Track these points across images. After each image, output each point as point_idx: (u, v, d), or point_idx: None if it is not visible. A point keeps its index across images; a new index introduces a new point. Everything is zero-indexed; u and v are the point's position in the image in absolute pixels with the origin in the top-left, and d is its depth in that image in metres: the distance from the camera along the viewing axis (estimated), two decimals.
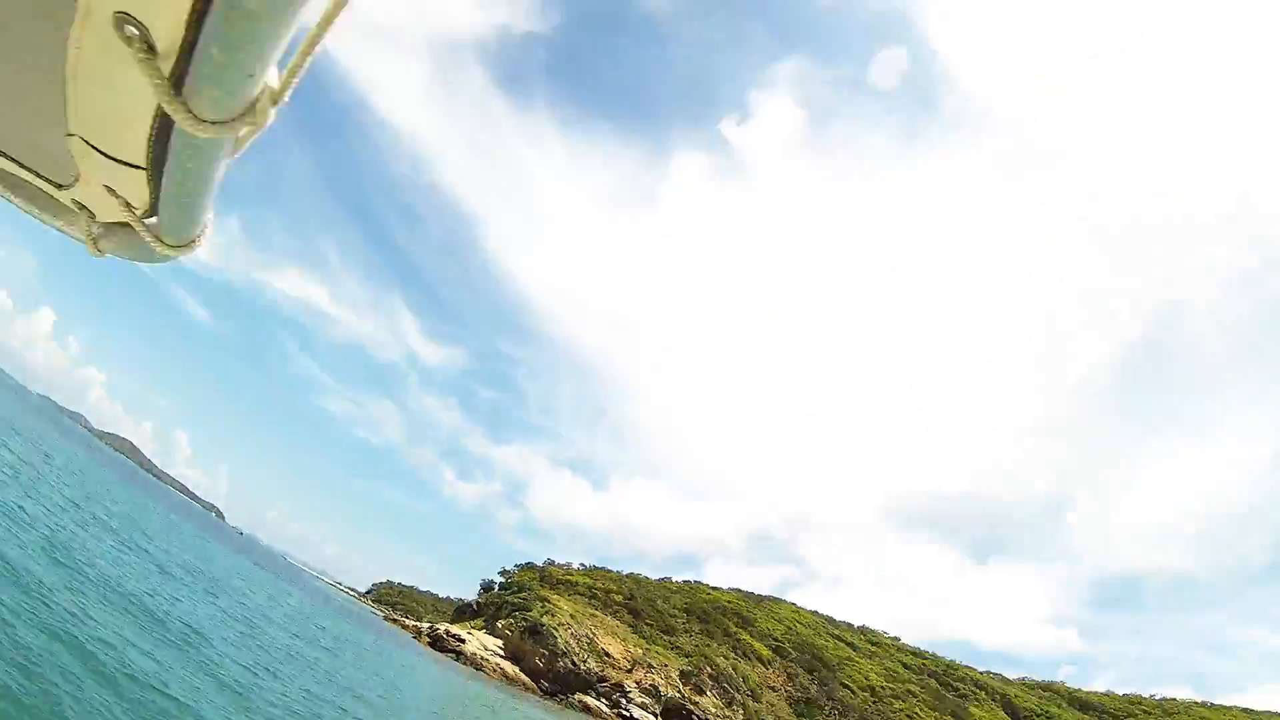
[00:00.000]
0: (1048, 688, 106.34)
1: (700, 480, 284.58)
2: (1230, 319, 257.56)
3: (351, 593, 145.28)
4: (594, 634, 66.03)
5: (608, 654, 65.26)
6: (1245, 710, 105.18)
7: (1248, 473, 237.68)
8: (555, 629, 62.60)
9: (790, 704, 77.91)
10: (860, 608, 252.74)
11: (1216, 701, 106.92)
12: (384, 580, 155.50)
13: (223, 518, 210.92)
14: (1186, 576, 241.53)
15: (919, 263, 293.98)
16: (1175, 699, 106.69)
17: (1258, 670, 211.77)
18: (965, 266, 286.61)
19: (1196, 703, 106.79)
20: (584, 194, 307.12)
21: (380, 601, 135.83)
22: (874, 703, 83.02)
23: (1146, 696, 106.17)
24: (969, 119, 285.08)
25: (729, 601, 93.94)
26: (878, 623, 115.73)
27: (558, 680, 59.92)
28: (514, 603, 67.07)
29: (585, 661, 62.63)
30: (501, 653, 60.73)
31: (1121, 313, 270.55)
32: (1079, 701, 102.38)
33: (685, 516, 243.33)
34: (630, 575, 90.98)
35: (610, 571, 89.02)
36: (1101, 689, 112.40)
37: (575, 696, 59.11)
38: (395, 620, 79.69)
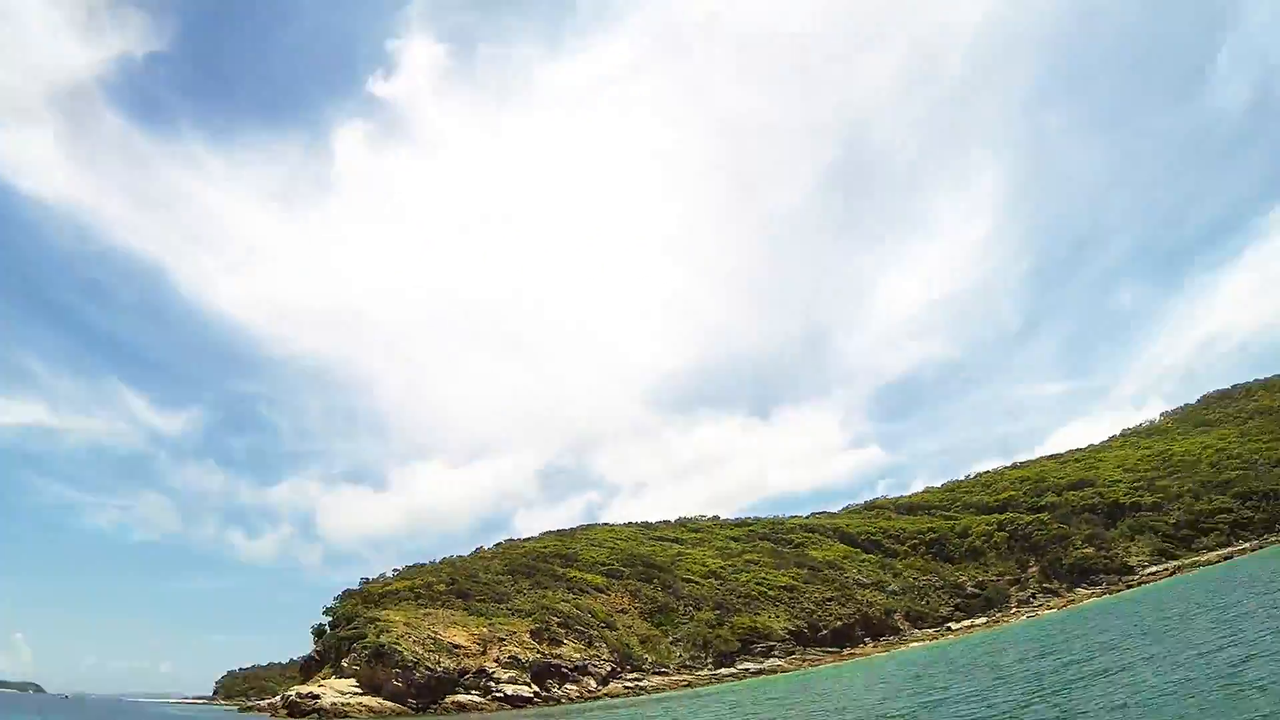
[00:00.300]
0: (871, 506, 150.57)
1: (472, 440, 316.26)
2: (910, 117, 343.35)
3: (198, 700, 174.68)
4: (435, 632, 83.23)
5: (457, 645, 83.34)
6: (1050, 457, 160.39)
7: (971, 252, 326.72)
8: (397, 643, 77.83)
9: (645, 617, 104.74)
10: (673, 504, 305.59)
11: (1022, 459, 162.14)
12: (226, 673, 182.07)
13: (43, 690, 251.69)
14: (954, 361, 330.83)
15: (594, 163, 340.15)
16: (989, 470, 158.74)
17: (1046, 420, 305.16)
18: (643, 148, 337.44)
19: (1008, 467, 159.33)
20: (254, 201, 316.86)
21: (230, 695, 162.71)
22: (720, 584, 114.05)
23: (963, 478, 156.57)
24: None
25: (544, 546, 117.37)
26: (694, 509, 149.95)
27: (422, 693, 75.97)
28: (349, 636, 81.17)
29: (440, 663, 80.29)
30: (359, 690, 74.99)
31: (811, 143, 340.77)
32: (904, 507, 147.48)
33: (473, 481, 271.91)
34: (444, 560, 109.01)
35: (425, 565, 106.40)
36: (920, 489, 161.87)
37: (447, 700, 77.16)
38: (249, 708, 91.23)
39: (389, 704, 73.93)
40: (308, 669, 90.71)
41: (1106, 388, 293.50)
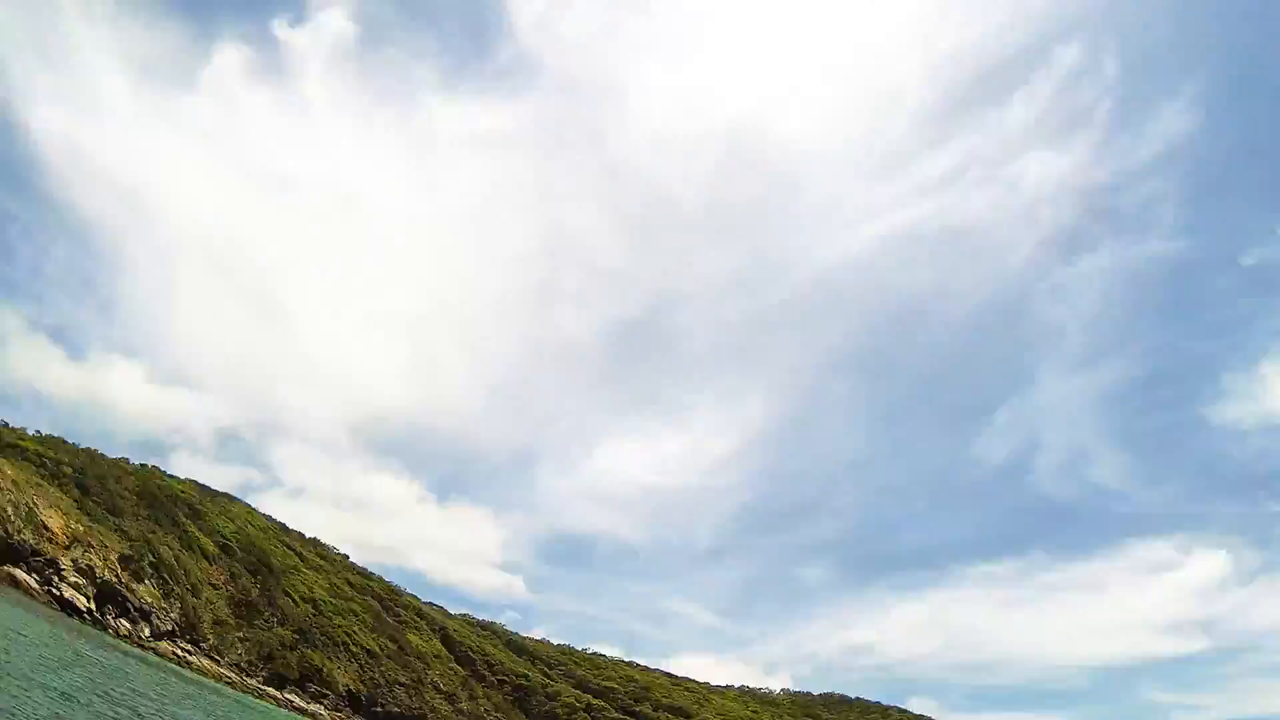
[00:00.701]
0: (487, 627, 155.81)
1: (180, 365, 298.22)
2: (720, 319, 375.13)
3: None
4: (35, 504, 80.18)
5: (47, 527, 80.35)
6: (666, 673, 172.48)
7: (705, 462, 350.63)
8: None
9: (230, 604, 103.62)
10: (319, 523, 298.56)
11: (641, 662, 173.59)
12: None
13: None
14: (634, 546, 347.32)
15: (437, 203, 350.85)
16: (604, 655, 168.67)
17: (683, 640, 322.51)
18: (481, 220, 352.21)
19: (624, 661, 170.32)
20: (120, 59, 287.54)
21: None
22: (314, 615, 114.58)
23: (579, 649, 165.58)
24: (522, 68, 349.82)
25: (183, 491, 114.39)
26: (333, 539, 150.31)
27: None
28: None
29: (20, 532, 76.96)
30: None
31: (625, 294, 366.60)
32: (515, 645, 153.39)
33: (159, 402, 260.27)
34: (87, 449, 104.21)
35: (66, 443, 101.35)
36: (539, 637, 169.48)
37: (4, 568, 74.46)
38: None
39: None
40: None
41: (750, 640, 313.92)
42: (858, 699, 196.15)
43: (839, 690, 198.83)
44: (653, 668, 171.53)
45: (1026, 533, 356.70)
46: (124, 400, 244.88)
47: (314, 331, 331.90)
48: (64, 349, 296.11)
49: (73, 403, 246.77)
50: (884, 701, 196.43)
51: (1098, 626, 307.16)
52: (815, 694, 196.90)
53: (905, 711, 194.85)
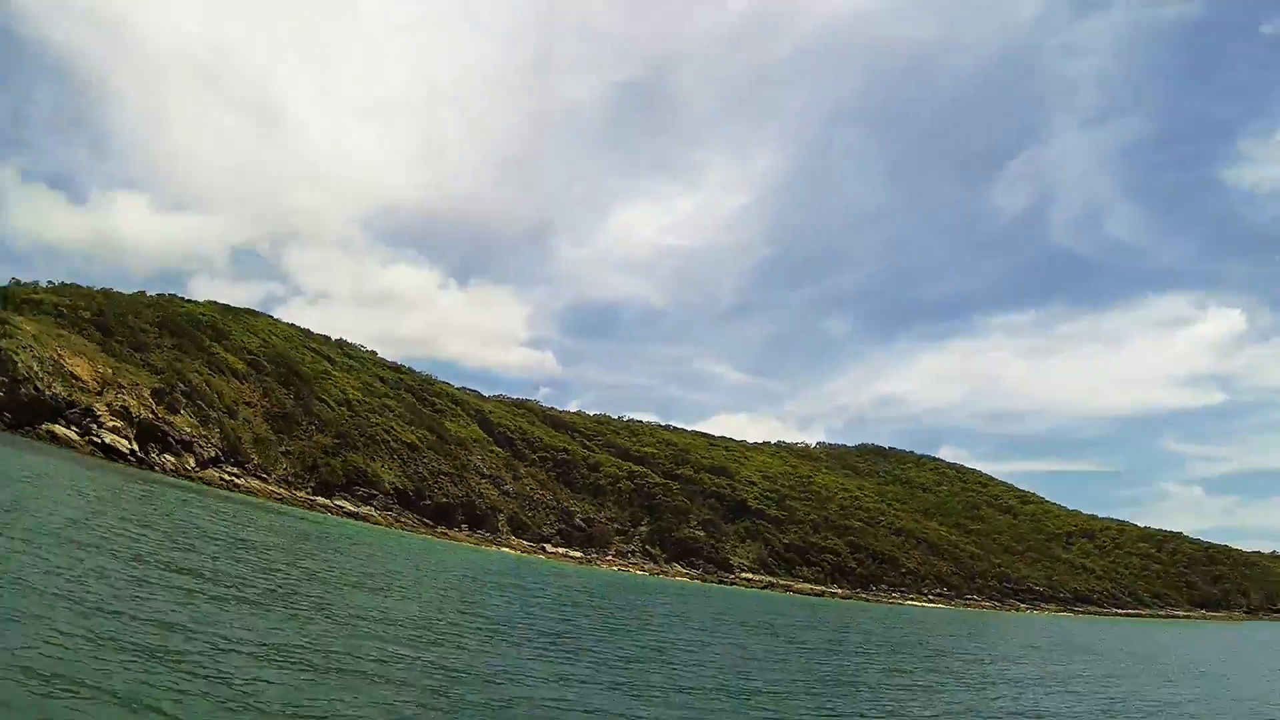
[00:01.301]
0: (522, 405, 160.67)
1: (184, 190, 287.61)
2: (720, 75, 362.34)
3: None
4: (60, 355, 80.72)
5: (76, 376, 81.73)
6: (703, 434, 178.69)
7: (721, 219, 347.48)
8: (15, 352, 75.18)
9: (267, 419, 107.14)
10: (345, 325, 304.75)
11: (678, 425, 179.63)
12: None
13: None
14: (659, 310, 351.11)
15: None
16: (640, 420, 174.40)
17: (717, 401, 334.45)
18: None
19: (660, 425, 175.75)
20: None
21: None
22: (351, 416, 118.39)
23: (615, 418, 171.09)
24: None
25: (203, 314, 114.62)
26: (361, 339, 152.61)
27: (22, 411, 74.13)
28: None
29: (51, 386, 78.08)
30: None
31: (620, 56, 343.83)
32: (551, 419, 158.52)
33: (168, 230, 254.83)
34: (102, 290, 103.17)
35: (81, 287, 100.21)
36: (574, 410, 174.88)
37: (43, 427, 76.06)
38: None
39: None
40: None
41: (781, 397, 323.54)
42: (892, 449, 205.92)
43: (872, 442, 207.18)
44: (689, 430, 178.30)
45: (1046, 284, 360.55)
46: (133, 235, 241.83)
47: (314, 131, 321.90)
48: (65, 194, 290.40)
49: (83, 248, 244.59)
50: (916, 451, 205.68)
51: (1117, 377, 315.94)
52: (850, 445, 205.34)
53: (938, 460, 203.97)
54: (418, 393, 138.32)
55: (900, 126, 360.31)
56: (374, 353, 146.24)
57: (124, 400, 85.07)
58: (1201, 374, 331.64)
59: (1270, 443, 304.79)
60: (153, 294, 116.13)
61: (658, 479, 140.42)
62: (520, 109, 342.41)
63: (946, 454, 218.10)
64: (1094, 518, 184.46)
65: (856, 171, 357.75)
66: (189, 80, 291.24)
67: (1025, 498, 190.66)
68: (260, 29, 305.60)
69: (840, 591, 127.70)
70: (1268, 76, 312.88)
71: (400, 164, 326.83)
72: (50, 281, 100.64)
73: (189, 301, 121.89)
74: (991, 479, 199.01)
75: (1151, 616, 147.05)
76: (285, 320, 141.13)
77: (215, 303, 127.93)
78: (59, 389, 79.16)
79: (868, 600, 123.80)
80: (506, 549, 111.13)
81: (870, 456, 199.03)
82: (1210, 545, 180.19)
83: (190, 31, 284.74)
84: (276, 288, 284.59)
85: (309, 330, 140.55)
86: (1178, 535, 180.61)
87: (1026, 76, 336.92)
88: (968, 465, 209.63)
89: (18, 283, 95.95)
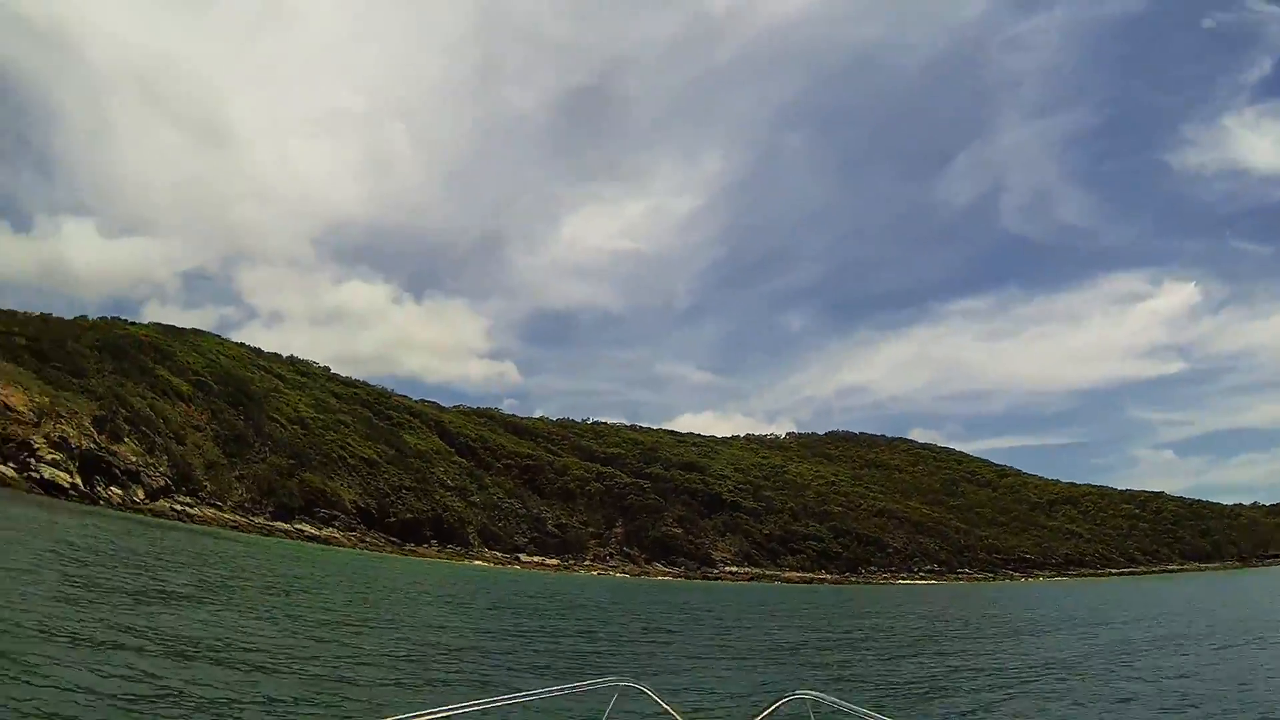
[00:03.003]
0: (483, 413, 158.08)
1: (133, 214, 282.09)
2: (666, 80, 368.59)
3: None
4: None
5: (10, 407, 77.35)
6: (670, 432, 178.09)
7: (673, 222, 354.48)
8: None
9: (218, 443, 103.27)
10: (301, 345, 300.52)
11: (645, 425, 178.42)
12: None
13: None
14: (616, 315, 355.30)
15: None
16: (606, 422, 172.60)
17: (682, 401, 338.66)
18: (414, 4, 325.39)
19: (626, 426, 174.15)
20: None
21: None
22: (305, 435, 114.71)
23: (579, 421, 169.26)
24: None
25: (145, 336, 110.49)
26: (319, 359, 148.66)
27: None
28: None
29: None
30: None
31: (567, 63, 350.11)
32: (514, 426, 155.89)
33: (117, 255, 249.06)
34: (40, 315, 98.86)
35: (17, 314, 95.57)
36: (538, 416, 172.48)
37: None
38: None
39: None
40: None
41: (747, 393, 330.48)
42: (862, 433, 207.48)
43: (842, 429, 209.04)
44: (656, 429, 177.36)
45: (1000, 269, 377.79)
46: (81, 262, 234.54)
47: (261, 148, 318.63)
48: (8, 222, 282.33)
49: (31, 277, 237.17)
50: (887, 435, 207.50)
51: (1078, 354, 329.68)
52: (821, 433, 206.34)
53: (910, 441, 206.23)
54: (373, 407, 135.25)
55: (847, 125, 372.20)
56: (327, 368, 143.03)
57: (63, 429, 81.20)
58: (1160, 345, 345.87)
59: (1233, 405, 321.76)
60: (94, 318, 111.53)
61: (628, 479, 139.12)
62: (467, 119, 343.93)
63: (917, 436, 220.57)
64: (1074, 485, 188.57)
65: (806, 170, 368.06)
66: (132, 99, 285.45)
67: (1003, 471, 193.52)
68: (203, 41, 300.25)
69: (829, 577, 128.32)
70: (1208, 67, 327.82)
71: (348, 178, 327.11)
72: None
73: (131, 324, 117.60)
74: (966, 455, 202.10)
75: (1147, 573, 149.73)
76: (234, 339, 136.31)
77: (159, 324, 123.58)
78: None
79: (858, 583, 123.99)
80: (479, 562, 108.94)
81: (841, 442, 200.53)
82: (1194, 501, 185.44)
83: (132, 43, 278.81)
84: (231, 312, 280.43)
85: (259, 349, 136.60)
86: (1160, 494, 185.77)
87: (971, 73, 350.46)
88: (937, 443, 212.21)
89: None
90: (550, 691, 5.12)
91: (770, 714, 4.98)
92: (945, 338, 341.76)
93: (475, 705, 4.08)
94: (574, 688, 5.16)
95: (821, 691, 5.28)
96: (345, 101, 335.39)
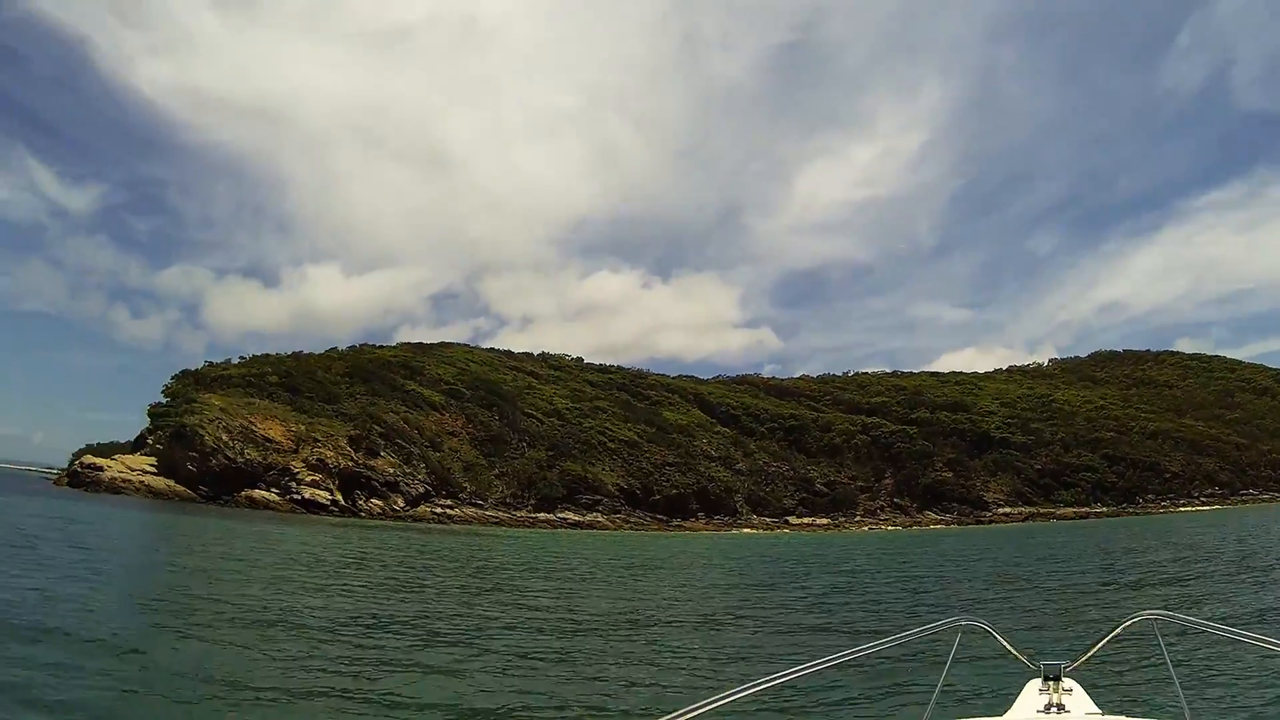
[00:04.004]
0: (742, 380, 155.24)
1: (372, 251, 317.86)
2: (868, 18, 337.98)
3: (50, 470, 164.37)
4: (250, 423, 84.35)
5: (269, 439, 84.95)
6: (932, 373, 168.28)
7: (904, 162, 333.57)
8: (201, 427, 79.44)
9: (475, 445, 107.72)
10: (556, 343, 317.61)
11: (905, 370, 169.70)
12: (84, 446, 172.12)
13: None
14: (865, 265, 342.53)
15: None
16: (868, 372, 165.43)
17: (940, 342, 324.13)
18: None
19: (886, 373, 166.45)
20: None
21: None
22: (562, 426, 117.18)
23: (840, 374, 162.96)
24: None
25: (394, 356, 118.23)
26: (578, 352, 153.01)
27: (216, 481, 77.85)
28: (160, 413, 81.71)
29: (242, 453, 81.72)
30: (154, 470, 75.99)
31: (766, 19, 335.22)
32: (775, 389, 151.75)
33: (365, 292, 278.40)
34: (291, 354, 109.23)
35: (270, 356, 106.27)
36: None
37: (242, 494, 79.77)
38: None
39: (178, 487, 75.86)
40: (137, 445, 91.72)
41: (1004, 325, 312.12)
42: (1127, 351, 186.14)
43: (1105, 349, 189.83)
44: (917, 372, 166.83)
45: (1245, 152, 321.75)
46: (327, 303, 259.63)
47: (485, 164, 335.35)
48: (259, 281, 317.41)
49: (285, 325, 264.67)
50: (1153, 350, 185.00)
51: None
52: (1084, 356, 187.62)
53: (1177, 353, 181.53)
54: (630, 389, 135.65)
55: (1057, 29, 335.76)
56: (580, 359, 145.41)
57: (320, 453, 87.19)
58: None
59: None
60: (344, 348, 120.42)
61: (894, 427, 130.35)
62: (680, 97, 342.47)
63: (1185, 347, 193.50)
64: None
65: (1027, 84, 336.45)
66: (351, 144, 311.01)
67: None
68: (410, 79, 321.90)
69: (1105, 510, 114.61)
70: None
71: (577, 177, 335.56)
72: (241, 357, 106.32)
73: (379, 347, 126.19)
74: (1239, 362, 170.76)
75: None
76: (484, 347, 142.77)
77: (407, 344, 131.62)
78: (253, 454, 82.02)
79: (1136, 514, 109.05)
80: (748, 529, 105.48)
81: (1106, 362, 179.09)
82: None
83: (341, 95, 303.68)
84: (481, 323, 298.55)
85: (509, 351, 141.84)
86: None
87: None
88: (1205, 353, 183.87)
89: (211, 364, 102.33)
90: (895, 638, 4.56)
91: (1114, 637, 4.75)
92: (1197, 236, 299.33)
93: (828, 661, 3.81)
94: (918, 632, 4.74)
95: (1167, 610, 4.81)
96: (559, 102, 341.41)
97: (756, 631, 18.84)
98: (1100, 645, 4.88)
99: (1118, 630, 4.90)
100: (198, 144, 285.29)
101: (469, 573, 33.46)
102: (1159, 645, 5.10)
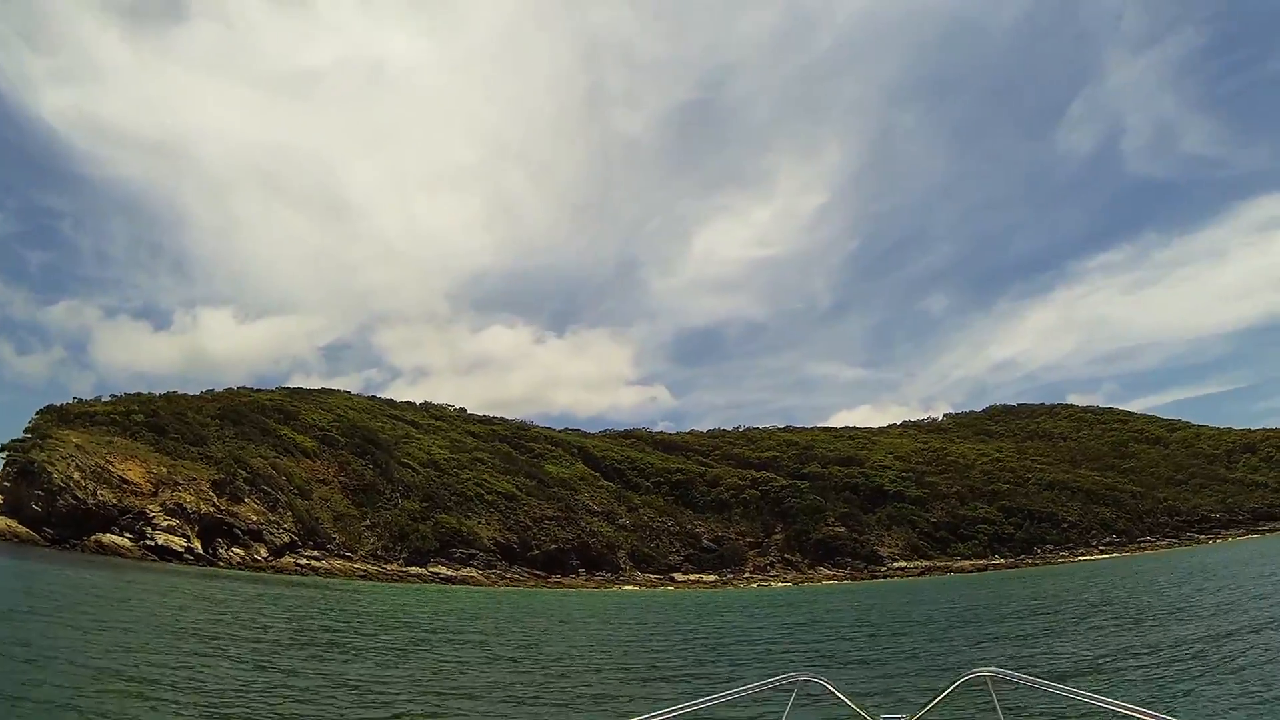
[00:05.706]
0: (629, 435, 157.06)
1: (266, 297, 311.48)
2: (771, 79, 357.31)
3: None
4: (108, 462, 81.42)
5: (127, 480, 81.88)
6: (825, 428, 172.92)
7: (802, 222, 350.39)
8: (50, 464, 76.24)
9: (346, 494, 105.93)
10: (449, 396, 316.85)
11: (797, 425, 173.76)
12: None
13: None
14: (760, 323, 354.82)
15: (461, 46, 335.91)
16: (758, 428, 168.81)
17: (835, 400, 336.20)
18: (497, 38, 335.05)
19: (778, 428, 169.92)
20: (98, 10, 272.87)
21: None
22: (438, 476, 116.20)
23: (729, 429, 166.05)
24: None
25: (269, 400, 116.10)
26: (470, 406, 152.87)
27: (65, 524, 74.89)
28: (11, 448, 78.25)
29: (95, 495, 78.70)
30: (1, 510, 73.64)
31: (670, 77, 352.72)
32: (665, 444, 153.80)
33: (257, 338, 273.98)
34: (165, 394, 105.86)
35: (141, 395, 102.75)
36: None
37: (91, 539, 76.61)
38: None
39: (20, 528, 72.79)
40: None
41: (898, 383, 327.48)
42: (1021, 404, 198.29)
43: (1000, 403, 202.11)
44: (810, 428, 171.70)
45: (1133, 215, 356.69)
46: (219, 348, 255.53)
47: (384, 214, 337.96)
48: (149, 323, 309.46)
49: (175, 367, 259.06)
50: (1047, 403, 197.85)
51: (1227, 292, 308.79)
52: (978, 410, 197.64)
53: (1071, 406, 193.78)
54: (512, 441, 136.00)
55: (955, 95, 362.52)
56: (463, 409, 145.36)
57: (180, 497, 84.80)
58: None
59: None
60: (219, 389, 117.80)
61: (785, 481, 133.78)
62: (581, 152, 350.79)
63: (1075, 401, 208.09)
64: (1249, 430, 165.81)
65: (923, 148, 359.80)
66: (250, 188, 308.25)
67: (1172, 425, 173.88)
68: (312, 125, 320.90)
69: (1003, 561, 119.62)
70: None
71: (476, 230, 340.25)
72: (113, 395, 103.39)
73: (257, 391, 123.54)
74: (1131, 414, 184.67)
75: None
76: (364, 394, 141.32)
77: (286, 388, 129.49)
78: (107, 496, 79.37)
79: (1035, 565, 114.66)
80: (630, 586, 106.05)
81: (1000, 416, 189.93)
82: None
83: (244, 142, 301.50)
84: (374, 373, 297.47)
85: (392, 400, 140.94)
86: None
87: (1068, 16, 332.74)
88: (1097, 404, 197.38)
89: (78, 400, 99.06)
90: (730, 694, 5.04)
91: (951, 693, 5.04)
92: (1088, 296, 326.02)
93: (656, 715, 4.05)
94: (754, 687, 5.13)
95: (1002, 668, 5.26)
96: (460, 155, 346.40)
97: (587, 687, 19.83)
98: (938, 700, 5.19)
99: (955, 686, 5.23)
100: (98, 177, 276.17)
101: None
102: (993, 702, 5.44)
